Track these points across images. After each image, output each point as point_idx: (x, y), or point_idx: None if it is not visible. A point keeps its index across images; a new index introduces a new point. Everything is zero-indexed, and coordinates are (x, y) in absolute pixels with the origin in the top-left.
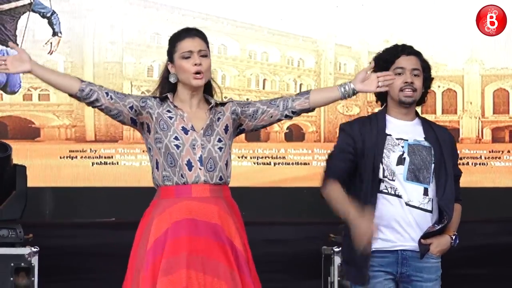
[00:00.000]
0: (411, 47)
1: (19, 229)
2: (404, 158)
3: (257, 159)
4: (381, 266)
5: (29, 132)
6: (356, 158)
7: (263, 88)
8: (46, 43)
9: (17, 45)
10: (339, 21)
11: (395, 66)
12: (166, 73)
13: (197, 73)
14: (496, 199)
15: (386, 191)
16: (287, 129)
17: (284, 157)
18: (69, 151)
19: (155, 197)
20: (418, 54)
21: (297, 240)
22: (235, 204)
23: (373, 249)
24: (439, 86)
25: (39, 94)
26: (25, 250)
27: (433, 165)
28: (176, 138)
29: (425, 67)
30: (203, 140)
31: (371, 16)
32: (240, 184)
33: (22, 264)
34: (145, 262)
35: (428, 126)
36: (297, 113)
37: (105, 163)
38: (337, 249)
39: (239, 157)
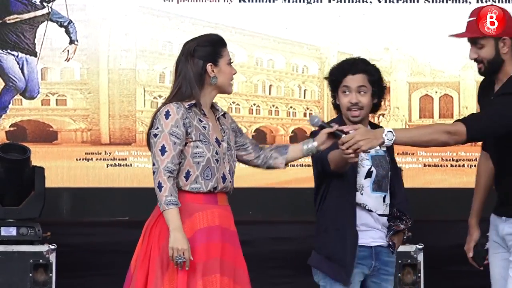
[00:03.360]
0: (358, 65)
1: (37, 228)
2: (372, 171)
3: None
4: (359, 259)
5: (47, 135)
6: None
7: (269, 94)
8: (63, 51)
9: None
10: (341, 29)
11: (342, 85)
12: (203, 72)
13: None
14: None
15: (358, 203)
16: (292, 132)
17: None
18: (85, 154)
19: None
20: (365, 71)
21: (302, 238)
22: None
23: (359, 244)
24: (436, 92)
25: (56, 99)
26: (43, 248)
27: (390, 172)
28: (216, 153)
29: (374, 81)
30: (228, 155)
31: (371, 25)
32: (249, 185)
33: (41, 260)
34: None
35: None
36: (269, 168)
37: (119, 165)
38: None
39: None
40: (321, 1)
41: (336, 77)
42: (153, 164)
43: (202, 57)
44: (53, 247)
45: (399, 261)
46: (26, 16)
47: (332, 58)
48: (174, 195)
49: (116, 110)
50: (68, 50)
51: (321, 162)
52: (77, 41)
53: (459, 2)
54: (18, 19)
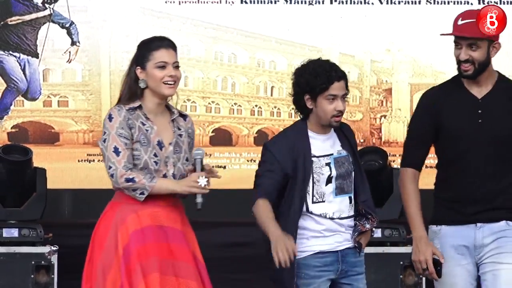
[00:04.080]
0: (339, 70)
1: (39, 229)
2: (332, 176)
3: None
4: (325, 265)
5: (49, 136)
6: (283, 182)
7: (271, 95)
8: (65, 52)
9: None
10: (343, 31)
11: (329, 93)
12: (135, 77)
13: (170, 82)
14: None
15: (316, 213)
16: None
17: None
18: (87, 155)
19: (116, 198)
20: (344, 76)
21: None
22: (183, 207)
23: (318, 251)
24: None
25: (58, 101)
26: (45, 249)
27: (353, 173)
28: (155, 155)
29: (347, 85)
30: (174, 158)
31: (373, 26)
32: (250, 186)
33: (42, 262)
34: (118, 265)
35: (340, 133)
36: None
37: None
38: None
39: (248, 161)
40: (322, 3)
41: (322, 83)
42: (109, 168)
43: (133, 61)
44: (54, 248)
45: (401, 263)
46: (27, 17)
47: (334, 59)
48: (146, 175)
49: None
50: (69, 52)
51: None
52: (78, 42)
53: (461, 3)
54: (19, 21)
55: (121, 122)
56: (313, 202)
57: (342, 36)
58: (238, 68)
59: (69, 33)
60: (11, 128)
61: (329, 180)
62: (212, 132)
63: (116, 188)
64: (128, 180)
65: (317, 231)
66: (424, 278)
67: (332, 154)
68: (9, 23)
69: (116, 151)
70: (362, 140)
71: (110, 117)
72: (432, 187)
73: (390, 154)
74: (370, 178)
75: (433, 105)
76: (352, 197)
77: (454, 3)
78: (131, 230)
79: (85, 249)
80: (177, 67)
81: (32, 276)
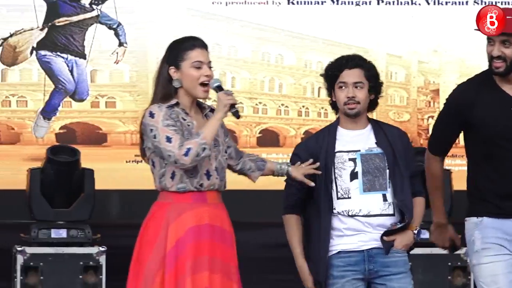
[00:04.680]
0: (354, 60)
1: (87, 230)
2: (356, 172)
3: None
4: (349, 265)
5: (97, 137)
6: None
7: (318, 96)
8: (112, 53)
9: None
10: (390, 31)
11: (339, 81)
12: (168, 76)
13: (205, 85)
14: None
15: (340, 213)
16: None
17: None
18: (134, 156)
19: (164, 199)
20: (361, 66)
21: None
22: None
23: (339, 250)
24: None
25: (106, 102)
26: (93, 250)
27: (387, 170)
28: None
29: (370, 76)
30: (215, 151)
31: (420, 27)
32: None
33: (91, 263)
34: (166, 262)
35: (380, 131)
36: (241, 174)
37: None
38: None
39: None
40: (369, 3)
41: (333, 71)
42: (169, 157)
43: (165, 61)
44: (103, 249)
45: (449, 264)
46: (75, 18)
47: (381, 60)
48: (191, 137)
49: None
50: (117, 53)
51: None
52: (126, 43)
53: (509, 3)
54: (67, 22)
55: (163, 115)
56: (338, 198)
57: (389, 37)
58: (285, 69)
59: (117, 34)
60: (59, 129)
61: (354, 176)
62: (259, 133)
63: (161, 189)
64: (186, 153)
65: (339, 230)
66: (472, 279)
67: (359, 150)
68: (57, 24)
69: (168, 139)
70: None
71: (151, 114)
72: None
73: None
74: None
75: (464, 102)
76: (389, 195)
77: (502, 3)
78: (187, 226)
79: (132, 250)
80: (211, 67)
81: (81, 277)
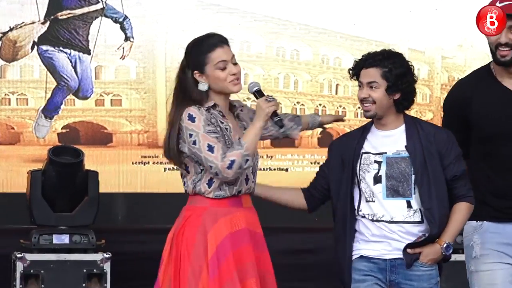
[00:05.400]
0: (373, 58)
1: (91, 235)
2: (380, 176)
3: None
4: (371, 271)
5: (101, 137)
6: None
7: (336, 93)
8: (118, 48)
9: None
10: (412, 25)
11: (358, 80)
12: (194, 80)
13: (235, 81)
14: None
15: (365, 216)
16: None
17: None
18: (141, 157)
19: (198, 203)
20: (378, 65)
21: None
22: None
23: (362, 255)
24: None
25: (111, 100)
26: (97, 256)
27: (413, 176)
28: None
29: (390, 76)
30: None
31: (444, 20)
32: None
33: (95, 270)
34: (210, 268)
35: (414, 132)
36: (284, 137)
37: (177, 169)
38: None
39: (311, 163)
40: None
41: (354, 70)
42: (211, 168)
43: (186, 66)
44: (107, 255)
45: None
46: (79, 11)
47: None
48: (233, 147)
49: None
50: (123, 48)
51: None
52: (132, 38)
53: None
54: (70, 15)
55: (204, 119)
56: (363, 201)
57: (411, 31)
58: (301, 65)
59: (123, 28)
60: (62, 128)
61: (377, 180)
62: None
63: (196, 192)
64: (230, 166)
65: (365, 235)
66: None
67: (385, 153)
68: (60, 17)
69: (211, 148)
70: None
71: (191, 118)
72: None
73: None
74: None
75: (462, 98)
76: (414, 202)
77: None
78: (225, 233)
79: (139, 256)
80: (235, 63)
81: (84, 284)
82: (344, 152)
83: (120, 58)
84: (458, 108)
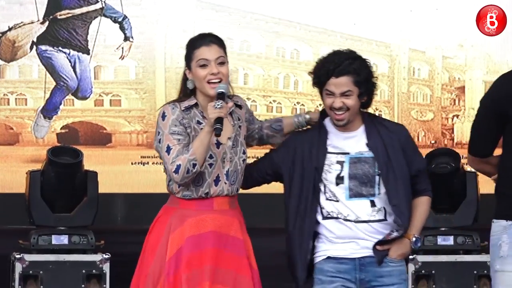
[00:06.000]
0: (342, 65)
1: (90, 236)
2: (343, 176)
3: None
4: (338, 272)
5: (101, 138)
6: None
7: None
8: (117, 48)
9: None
10: (412, 25)
11: (326, 88)
12: (185, 77)
13: (214, 81)
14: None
15: (330, 215)
16: None
17: None
18: (141, 157)
19: (171, 203)
20: (349, 72)
21: None
22: (241, 213)
23: (329, 256)
24: None
25: (110, 100)
26: (96, 257)
27: (377, 176)
28: (210, 157)
29: (360, 82)
30: (231, 153)
31: (445, 20)
32: None
33: (94, 271)
34: (165, 271)
35: (374, 130)
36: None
37: None
38: (411, 257)
39: None
40: None
41: (319, 79)
42: (165, 168)
43: (185, 62)
44: (106, 256)
45: (475, 272)
46: (78, 11)
47: (403, 55)
48: (183, 151)
49: None
50: (122, 48)
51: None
52: (132, 37)
53: None
54: (69, 15)
55: (173, 120)
56: (327, 199)
57: (412, 31)
58: (301, 65)
59: (122, 28)
60: (61, 128)
61: (340, 180)
62: None
63: (170, 191)
64: (176, 171)
65: (330, 235)
66: None
67: (348, 153)
68: (59, 17)
69: (168, 150)
70: (433, 141)
71: (163, 116)
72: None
73: (463, 156)
74: (441, 182)
75: (501, 95)
76: (377, 201)
77: None
78: (187, 235)
79: (138, 257)
80: (222, 63)
81: (83, 285)
82: (303, 149)
83: (120, 58)
84: (497, 105)
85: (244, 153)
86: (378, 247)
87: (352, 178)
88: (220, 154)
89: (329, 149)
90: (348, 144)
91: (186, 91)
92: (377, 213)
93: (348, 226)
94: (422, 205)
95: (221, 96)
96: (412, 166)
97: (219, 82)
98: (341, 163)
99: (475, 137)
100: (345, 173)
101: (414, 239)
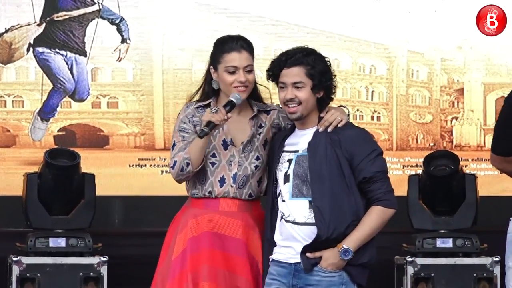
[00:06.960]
0: (294, 56)
1: (88, 238)
2: (289, 175)
3: None
4: (279, 275)
5: (98, 140)
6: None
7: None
8: (114, 50)
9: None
10: (411, 27)
11: (280, 80)
12: (209, 77)
13: (240, 88)
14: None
15: (281, 217)
16: None
17: None
18: (138, 159)
19: (186, 202)
20: (302, 63)
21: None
22: (257, 217)
23: (273, 259)
24: None
25: (107, 102)
26: (94, 260)
27: (308, 176)
28: (213, 155)
29: (314, 74)
30: (241, 157)
31: (443, 22)
32: None
33: (91, 273)
34: (171, 272)
35: (324, 130)
36: None
37: None
38: (409, 259)
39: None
40: None
41: (273, 71)
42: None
43: (210, 60)
44: (104, 259)
45: (474, 275)
46: (75, 13)
47: (402, 57)
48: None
49: (171, 113)
50: (119, 49)
51: None
52: (129, 39)
53: None
54: (66, 17)
55: (183, 117)
56: (282, 200)
57: (410, 33)
58: None
59: (119, 30)
60: (58, 131)
61: (286, 179)
62: None
63: (186, 190)
64: (173, 166)
65: (278, 237)
66: None
67: (297, 151)
68: (56, 19)
69: (173, 145)
70: (432, 144)
71: (180, 113)
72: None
73: (462, 158)
74: (440, 184)
75: None
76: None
77: None
78: (189, 236)
79: (136, 260)
80: (250, 71)
81: None
82: (273, 148)
83: (117, 60)
84: None
85: (258, 159)
86: (308, 254)
87: (296, 177)
88: (226, 156)
89: (286, 147)
90: (301, 141)
91: (209, 91)
92: (313, 216)
93: (288, 227)
94: (368, 215)
95: (228, 104)
96: (359, 174)
97: (246, 88)
98: (290, 161)
99: (499, 136)
100: (291, 171)
101: (342, 249)
